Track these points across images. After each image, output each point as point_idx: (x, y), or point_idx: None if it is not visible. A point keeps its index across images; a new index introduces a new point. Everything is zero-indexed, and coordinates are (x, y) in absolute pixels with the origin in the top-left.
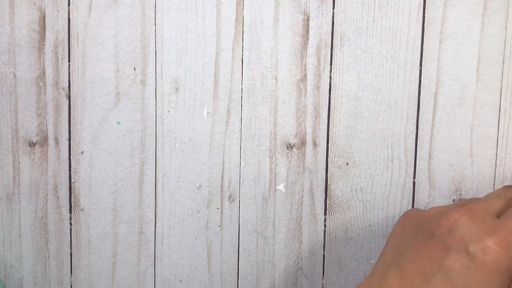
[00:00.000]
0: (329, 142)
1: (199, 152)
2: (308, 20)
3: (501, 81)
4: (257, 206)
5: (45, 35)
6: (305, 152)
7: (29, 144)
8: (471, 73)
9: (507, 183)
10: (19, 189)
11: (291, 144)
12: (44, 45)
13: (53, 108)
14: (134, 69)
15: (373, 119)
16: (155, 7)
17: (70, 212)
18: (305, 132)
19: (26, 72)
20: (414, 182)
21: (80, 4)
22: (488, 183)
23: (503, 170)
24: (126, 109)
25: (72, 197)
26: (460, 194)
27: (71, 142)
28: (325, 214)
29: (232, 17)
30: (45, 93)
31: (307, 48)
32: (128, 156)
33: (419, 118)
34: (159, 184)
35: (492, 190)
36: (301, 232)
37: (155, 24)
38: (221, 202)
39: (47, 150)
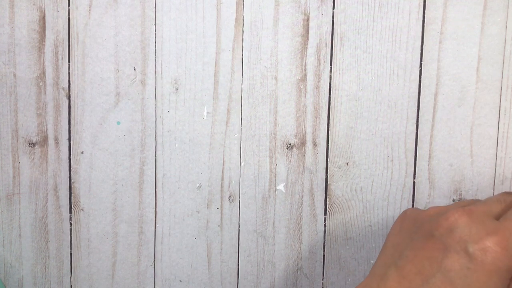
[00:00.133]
0: (329, 142)
1: (199, 152)
2: (308, 20)
3: (501, 81)
4: (257, 206)
5: (45, 35)
6: (305, 152)
7: (29, 144)
8: (471, 73)
9: (507, 183)
10: (19, 189)
11: (291, 144)
12: (44, 45)
13: (53, 108)
14: (134, 69)
15: (373, 119)
16: (155, 7)
17: (70, 212)
18: (305, 132)
19: (26, 72)
20: (414, 182)
21: (80, 4)
22: (488, 183)
23: (503, 170)
24: (126, 109)
25: (72, 197)
26: (460, 194)
27: (71, 142)
28: (325, 214)
29: (232, 17)
30: (45, 93)
31: (307, 48)
32: (128, 156)
33: (419, 118)
34: (159, 184)
35: (492, 190)
36: (301, 232)
37: (155, 24)
38: (221, 202)
39: (47, 150)
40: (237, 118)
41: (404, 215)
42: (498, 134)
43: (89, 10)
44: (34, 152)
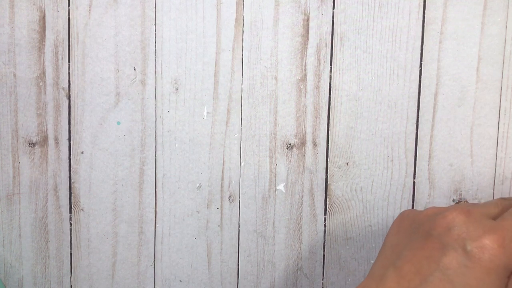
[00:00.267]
0: (329, 142)
1: (199, 152)
2: (308, 20)
3: (501, 81)
4: (257, 206)
5: (45, 35)
6: (305, 152)
7: (29, 144)
8: (471, 73)
9: (507, 183)
10: (19, 189)
11: (291, 144)
12: (44, 45)
13: (53, 108)
14: (134, 69)
15: (373, 119)
16: (155, 7)
17: (70, 212)
18: (305, 132)
19: (26, 72)
20: (414, 182)
21: (80, 4)
22: (488, 183)
23: (503, 170)
24: (126, 109)
25: (72, 197)
26: (460, 194)
27: (71, 142)
28: (325, 214)
29: (232, 17)
30: (45, 93)
31: (307, 48)
32: (128, 156)
33: (419, 118)
34: (159, 184)
35: (492, 190)
36: (301, 232)
37: (155, 24)
38: (221, 202)
39: (47, 150)
40: (237, 118)
41: (402, 216)
42: (498, 134)
43: (89, 10)
44: (34, 152)
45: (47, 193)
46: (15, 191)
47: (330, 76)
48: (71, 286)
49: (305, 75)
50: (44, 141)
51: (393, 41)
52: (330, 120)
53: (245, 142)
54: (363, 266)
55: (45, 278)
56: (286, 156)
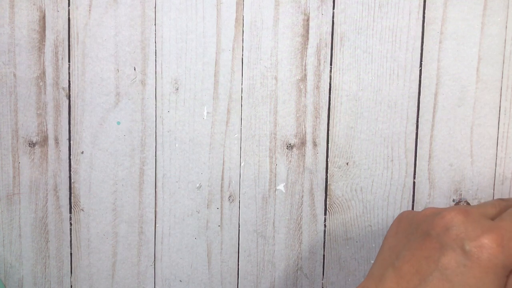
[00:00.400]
0: (329, 142)
1: (199, 152)
2: (308, 20)
3: (501, 81)
4: (257, 206)
5: (45, 35)
6: (305, 152)
7: (29, 144)
8: (471, 73)
9: (507, 183)
10: (19, 189)
11: (291, 144)
12: (44, 45)
13: (53, 108)
14: (134, 69)
15: (373, 119)
16: (155, 7)
17: (70, 212)
18: (305, 132)
19: (26, 72)
20: (414, 182)
21: (80, 4)
22: (488, 183)
23: (503, 170)
24: (126, 109)
25: (72, 197)
26: (460, 194)
27: (71, 142)
28: (325, 214)
29: (232, 17)
30: (45, 93)
31: (307, 48)
32: (128, 156)
33: (419, 118)
34: (159, 184)
35: (492, 190)
36: (301, 232)
37: (155, 24)
38: (221, 202)
39: (47, 150)
40: (237, 118)
41: (400, 217)
42: (498, 134)
43: (89, 10)
44: (34, 152)
45: (47, 193)
46: (15, 191)
47: (330, 76)
48: (71, 286)
49: (305, 75)
50: (44, 141)
51: (393, 41)
52: (330, 120)
53: (245, 142)
54: (363, 266)
55: (45, 278)
56: (286, 156)
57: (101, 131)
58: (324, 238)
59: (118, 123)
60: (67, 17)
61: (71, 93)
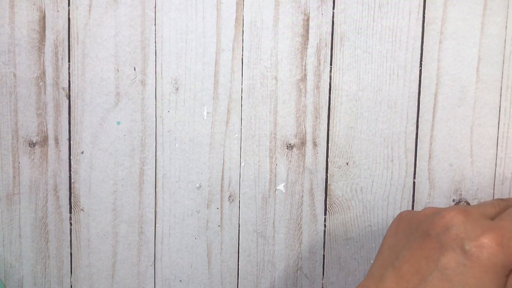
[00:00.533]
0: (329, 142)
1: (199, 152)
2: (308, 20)
3: (501, 81)
4: (257, 206)
5: (45, 35)
6: (305, 152)
7: (29, 144)
8: (471, 73)
9: (507, 183)
10: (19, 189)
11: (291, 144)
12: (44, 45)
13: (53, 108)
14: (134, 69)
15: (373, 119)
16: (155, 7)
17: (70, 212)
18: (305, 132)
19: (26, 72)
20: (414, 182)
21: (80, 4)
22: (488, 183)
23: (503, 170)
24: (126, 109)
25: (72, 197)
26: (460, 194)
27: (71, 142)
28: (325, 214)
29: (232, 17)
30: (45, 93)
31: (307, 48)
32: (128, 156)
33: (419, 118)
34: (159, 184)
35: (492, 190)
36: (301, 232)
37: (155, 24)
38: (221, 202)
39: (47, 150)
40: (237, 118)
41: (399, 217)
42: (498, 134)
43: (89, 10)
44: (34, 152)
45: (47, 193)
46: (15, 191)
47: (330, 76)
48: (71, 286)
49: (305, 75)
50: (44, 141)
51: (393, 41)
52: (330, 120)
53: (245, 142)
54: (363, 266)
55: (45, 278)
56: (286, 156)
57: (101, 131)
58: (324, 238)
59: (118, 123)
60: (67, 17)
61: (71, 93)
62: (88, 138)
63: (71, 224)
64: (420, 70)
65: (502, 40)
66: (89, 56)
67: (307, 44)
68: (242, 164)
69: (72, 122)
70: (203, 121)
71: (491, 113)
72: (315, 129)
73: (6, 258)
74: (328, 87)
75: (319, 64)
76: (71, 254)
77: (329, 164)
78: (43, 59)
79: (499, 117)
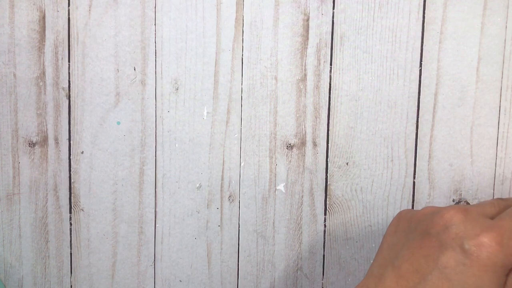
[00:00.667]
0: (329, 142)
1: (199, 152)
2: (308, 20)
3: (501, 81)
4: (257, 206)
5: (45, 35)
6: (305, 152)
7: (29, 144)
8: (471, 73)
9: (507, 183)
10: (19, 189)
11: (291, 144)
12: (44, 45)
13: (53, 108)
14: (134, 69)
15: (373, 119)
16: (155, 7)
17: (70, 212)
18: (305, 132)
19: (26, 72)
20: (414, 182)
21: (80, 4)
22: (488, 183)
23: (503, 170)
24: (126, 109)
25: (72, 197)
26: (460, 194)
27: (71, 142)
28: (325, 214)
29: (232, 17)
30: (45, 93)
31: (307, 48)
32: (128, 156)
33: (419, 118)
34: (159, 184)
35: (492, 190)
36: (301, 232)
37: (155, 24)
38: (221, 202)
39: (47, 150)
40: (237, 118)
41: (399, 216)
42: (498, 134)
43: (89, 10)
44: (34, 152)
45: (47, 193)
46: (15, 191)
47: (330, 76)
48: (71, 286)
49: (305, 75)
50: (44, 141)
51: (393, 41)
52: (330, 120)
53: (245, 142)
54: (363, 266)
55: (45, 278)
56: (286, 156)
57: (101, 131)
58: (324, 238)
59: (118, 123)
60: (67, 17)
61: (71, 93)
62: (88, 138)
63: (71, 224)
64: (420, 70)
65: (502, 40)
66: (89, 56)
67: (307, 44)
68: (242, 164)
69: (72, 122)
70: (203, 121)
71: (491, 113)
72: (315, 129)
73: (6, 258)
74: (328, 87)
75: (319, 64)
76: (71, 254)
77: (329, 164)
78: (43, 59)
79: (499, 117)
